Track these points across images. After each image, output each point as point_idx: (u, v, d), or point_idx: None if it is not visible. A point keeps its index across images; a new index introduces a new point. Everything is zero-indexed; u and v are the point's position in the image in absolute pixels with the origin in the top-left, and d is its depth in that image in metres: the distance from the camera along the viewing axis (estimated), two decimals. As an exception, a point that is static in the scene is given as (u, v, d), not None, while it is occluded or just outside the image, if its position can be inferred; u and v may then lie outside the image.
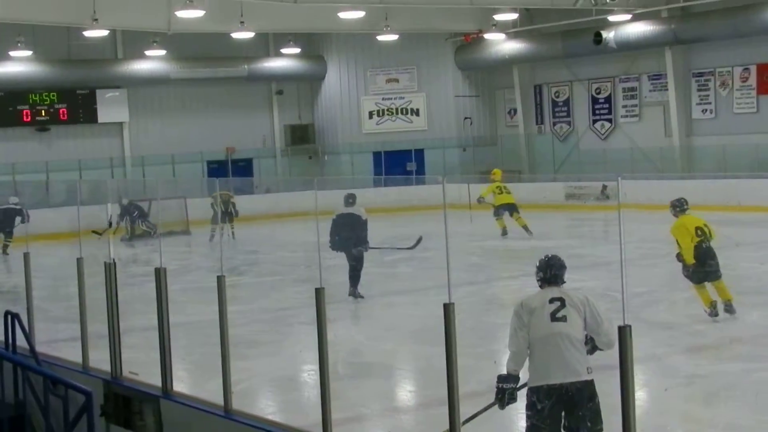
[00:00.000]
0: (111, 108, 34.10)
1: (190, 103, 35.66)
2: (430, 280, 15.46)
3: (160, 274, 9.32)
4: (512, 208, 23.68)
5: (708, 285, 13.07)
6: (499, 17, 32.24)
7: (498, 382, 7.08)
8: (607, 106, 34.90)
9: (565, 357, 6.85)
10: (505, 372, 7.10)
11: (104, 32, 30.01)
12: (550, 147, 36.26)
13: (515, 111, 37.48)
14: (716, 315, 12.81)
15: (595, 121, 35.28)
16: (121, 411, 9.75)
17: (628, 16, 30.19)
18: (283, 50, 35.64)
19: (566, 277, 7.34)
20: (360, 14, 29.84)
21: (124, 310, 10.39)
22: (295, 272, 19.64)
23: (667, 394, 9.55)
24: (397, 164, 36.31)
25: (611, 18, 30.13)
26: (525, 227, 23.33)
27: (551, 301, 6.99)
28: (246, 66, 35.49)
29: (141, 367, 10.09)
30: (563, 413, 6.90)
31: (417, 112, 37.32)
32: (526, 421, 7.06)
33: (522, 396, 7.11)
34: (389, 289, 17.11)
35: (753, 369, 10.27)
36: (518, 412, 7.58)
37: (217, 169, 35.54)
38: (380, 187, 32.80)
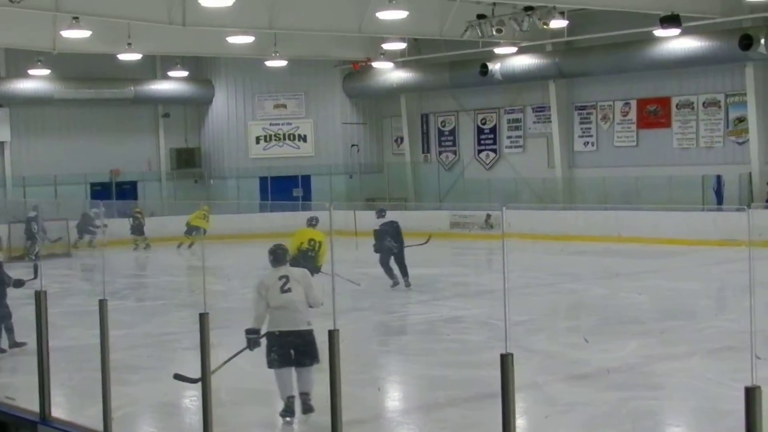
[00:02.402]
0: (-8, 127, 33.38)
1: (75, 124, 35.12)
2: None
3: (40, 297, 9.15)
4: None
5: None
6: (387, 46, 32.47)
7: (247, 333, 9.88)
8: (492, 136, 35.38)
9: (292, 315, 9.77)
10: (251, 327, 9.90)
11: (-13, 49, 29.47)
12: (435, 176, 36.57)
13: (402, 139, 37.77)
14: None
15: (480, 151, 35.73)
16: (-3, 437, 9.53)
17: (514, 49, 30.65)
18: (171, 73, 35.39)
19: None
20: (249, 39, 29.79)
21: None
22: (179, 297, 19.44)
23: (546, 422, 9.69)
24: (284, 190, 36.23)
25: (497, 50, 30.57)
26: None
27: (280, 278, 9.89)
28: (132, 88, 35.12)
29: (19, 392, 9.89)
30: (292, 351, 9.79)
31: (304, 138, 37.35)
32: (267, 357, 9.90)
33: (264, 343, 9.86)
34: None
35: (630, 397, 10.48)
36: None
37: (100, 191, 34.99)
38: (266, 213, 32.67)
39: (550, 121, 33.14)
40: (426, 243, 21.03)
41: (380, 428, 9.87)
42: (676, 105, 30.52)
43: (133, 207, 30.91)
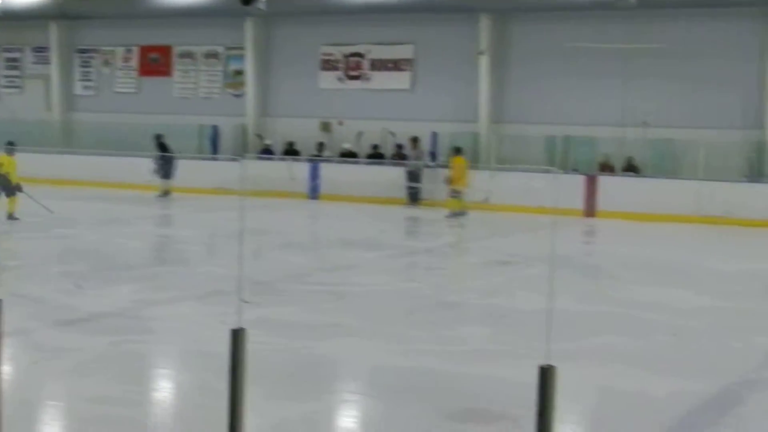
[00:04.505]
0: None
1: None
2: None
3: None
4: None
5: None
6: None
7: None
8: (-13, 75, 34.10)
9: None
10: None
11: None
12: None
13: None
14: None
15: (-24, 89, 34.33)
16: None
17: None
18: None
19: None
20: None
21: None
22: None
23: (34, 368, 9.64)
24: None
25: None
26: None
27: None
28: None
29: None
30: None
31: None
32: None
33: None
34: None
35: (121, 341, 10.65)
36: None
37: None
38: None
39: (50, 63, 32.45)
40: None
41: None
42: (178, 54, 30.99)
43: None
